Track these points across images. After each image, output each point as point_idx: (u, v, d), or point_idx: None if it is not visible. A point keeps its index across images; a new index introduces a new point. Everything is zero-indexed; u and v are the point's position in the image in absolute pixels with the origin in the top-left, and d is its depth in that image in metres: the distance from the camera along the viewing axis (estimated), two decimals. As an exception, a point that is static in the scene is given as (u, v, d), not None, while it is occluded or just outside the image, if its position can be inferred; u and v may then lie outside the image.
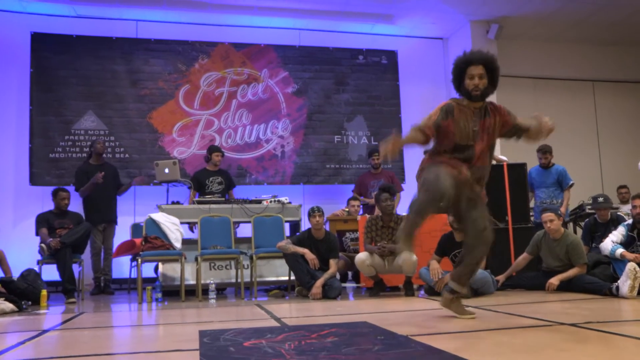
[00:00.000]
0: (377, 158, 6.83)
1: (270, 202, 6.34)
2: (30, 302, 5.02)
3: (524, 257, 5.24)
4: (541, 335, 2.65)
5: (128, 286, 6.89)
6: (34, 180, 7.28)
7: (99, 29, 7.79)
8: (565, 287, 4.85)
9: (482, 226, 3.24)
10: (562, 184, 6.64)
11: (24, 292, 5.06)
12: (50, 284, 5.73)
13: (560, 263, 4.99)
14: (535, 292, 4.93)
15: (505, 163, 6.11)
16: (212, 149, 7.00)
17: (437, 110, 3.30)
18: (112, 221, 6.72)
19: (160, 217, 5.84)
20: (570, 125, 9.23)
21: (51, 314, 4.56)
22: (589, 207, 6.55)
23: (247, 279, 5.82)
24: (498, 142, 7.67)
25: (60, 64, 7.59)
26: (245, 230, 6.47)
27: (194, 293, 5.63)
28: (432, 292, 4.99)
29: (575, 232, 6.82)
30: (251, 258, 5.71)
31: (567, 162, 8.41)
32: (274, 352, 2.37)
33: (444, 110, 3.28)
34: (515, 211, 5.88)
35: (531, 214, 6.38)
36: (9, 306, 4.64)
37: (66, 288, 5.62)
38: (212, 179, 6.86)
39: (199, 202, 6.23)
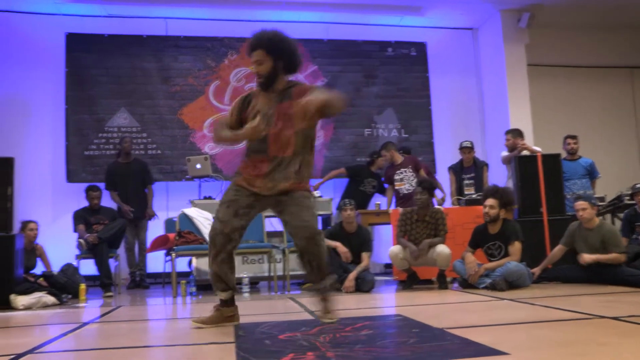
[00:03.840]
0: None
1: (302, 195, 6.34)
2: (70, 296, 5.16)
3: (559, 249, 5.14)
4: (581, 328, 2.60)
5: (163, 280, 6.99)
6: (71, 177, 7.44)
7: (130, 27, 7.91)
8: (605, 279, 4.73)
9: (295, 224, 3.01)
10: (591, 176, 6.52)
11: (64, 286, 5.21)
12: (88, 278, 5.87)
13: (596, 254, 4.88)
14: (573, 285, 4.83)
15: (539, 154, 6.00)
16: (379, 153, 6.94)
17: (234, 105, 3.15)
18: (141, 217, 6.80)
19: (193, 212, 5.91)
20: (607, 113, 9.02)
21: (90, 307, 4.67)
22: (628, 198, 6.39)
23: (280, 273, 5.86)
24: (529, 133, 7.64)
25: (93, 63, 7.74)
26: (277, 224, 6.50)
27: (227, 287, 5.68)
28: (465, 284, 4.94)
29: (613, 223, 6.66)
30: (283, 252, 5.74)
31: (604, 152, 8.26)
32: (309, 344, 2.38)
33: (241, 101, 3.13)
34: (550, 202, 5.77)
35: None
36: (50, 299, 4.79)
37: (103, 282, 5.75)
38: (370, 180, 6.95)
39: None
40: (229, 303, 3.15)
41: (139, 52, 7.88)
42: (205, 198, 6.42)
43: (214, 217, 3.11)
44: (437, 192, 6.25)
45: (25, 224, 5.70)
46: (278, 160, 3.01)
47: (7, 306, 4.60)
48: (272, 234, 6.27)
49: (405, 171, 6.52)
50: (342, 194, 6.94)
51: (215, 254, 3.02)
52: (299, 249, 3.05)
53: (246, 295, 5.23)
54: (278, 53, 3.01)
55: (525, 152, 6.22)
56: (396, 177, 6.55)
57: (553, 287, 4.83)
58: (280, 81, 3.07)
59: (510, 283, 4.66)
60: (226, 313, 3.14)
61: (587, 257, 4.78)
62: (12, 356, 2.40)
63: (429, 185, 5.33)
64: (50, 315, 4.16)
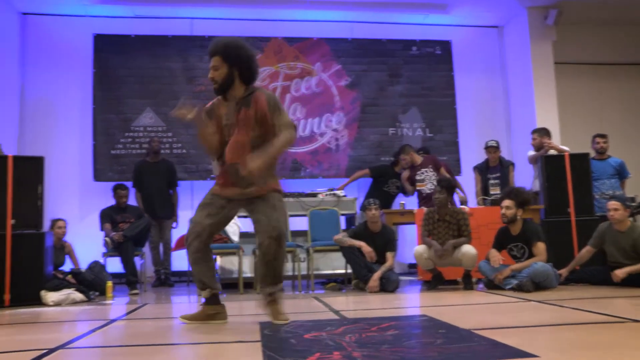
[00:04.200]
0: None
1: (326, 195, 6.36)
2: (97, 293, 5.25)
3: (587, 250, 5.06)
4: (613, 332, 2.55)
5: (187, 279, 7.06)
6: (98, 176, 7.55)
7: (156, 28, 7.99)
8: (636, 282, 4.61)
9: (266, 223, 3.05)
10: (621, 175, 6.36)
11: (91, 283, 5.31)
12: (114, 275, 5.95)
13: (627, 257, 4.77)
14: (602, 288, 4.74)
15: (567, 153, 5.91)
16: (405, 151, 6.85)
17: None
18: (165, 217, 6.84)
19: (217, 211, 5.93)
20: (636, 112, 8.82)
21: (116, 305, 4.73)
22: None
23: (304, 272, 5.87)
24: (556, 132, 7.52)
25: (120, 63, 7.84)
26: (301, 224, 6.51)
27: (251, 285, 5.72)
28: (491, 285, 4.89)
29: (643, 224, 6.51)
30: (307, 251, 5.75)
31: (633, 151, 8.08)
32: (334, 344, 2.37)
33: (205, 113, 3.21)
34: (578, 202, 5.68)
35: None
36: (79, 296, 4.88)
37: (129, 280, 5.83)
38: (394, 180, 6.93)
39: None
40: (211, 301, 3.24)
41: (165, 53, 7.95)
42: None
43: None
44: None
45: (54, 222, 5.81)
46: (235, 167, 3.10)
47: (38, 302, 4.69)
48: (297, 233, 6.29)
49: (426, 171, 6.47)
50: (366, 194, 6.92)
51: (191, 254, 3.15)
52: (263, 249, 3.07)
53: (270, 294, 5.24)
54: (234, 61, 3.10)
55: (552, 152, 6.13)
56: (417, 177, 6.50)
57: (581, 288, 4.76)
58: (237, 89, 3.16)
59: (537, 284, 4.60)
60: (208, 311, 3.25)
61: (619, 273, 4.67)
62: (44, 350, 2.45)
63: (446, 184, 5.30)
64: (78, 312, 4.23)
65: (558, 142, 6.82)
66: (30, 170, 4.96)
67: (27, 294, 4.71)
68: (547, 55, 8.05)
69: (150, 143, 7.01)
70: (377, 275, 5.08)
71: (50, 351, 2.45)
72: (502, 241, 5.03)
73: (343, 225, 6.45)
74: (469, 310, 3.58)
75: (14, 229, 4.79)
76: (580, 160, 5.82)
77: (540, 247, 4.80)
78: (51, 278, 4.99)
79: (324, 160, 8.03)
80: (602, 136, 6.47)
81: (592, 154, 6.30)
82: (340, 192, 6.43)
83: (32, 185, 4.94)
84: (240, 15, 8.04)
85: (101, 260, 5.84)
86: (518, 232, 4.92)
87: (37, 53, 7.80)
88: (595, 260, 5.11)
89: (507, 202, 4.91)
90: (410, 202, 6.72)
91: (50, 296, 4.72)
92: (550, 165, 5.80)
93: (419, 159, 6.59)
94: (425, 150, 7.09)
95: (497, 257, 4.87)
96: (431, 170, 6.48)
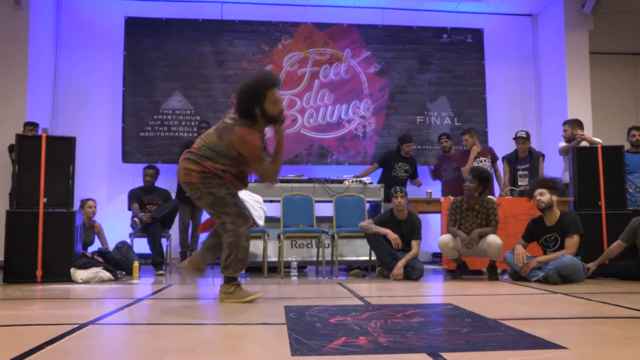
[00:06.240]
0: (446, 141, 7.08)
1: (352, 182, 6.34)
2: (124, 272, 5.33)
3: (617, 245, 4.95)
4: (643, 326, 2.50)
5: (212, 261, 7.11)
6: (126, 157, 7.64)
7: (187, 11, 8.01)
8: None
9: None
10: None
11: (118, 263, 5.39)
12: (140, 256, 6.04)
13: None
14: (632, 283, 4.64)
15: (599, 145, 5.78)
16: (405, 140, 7.04)
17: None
18: None
19: (244, 194, 5.96)
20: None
21: (142, 284, 4.80)
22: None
23: (328, 258, 5.88)
24: (589, 124, 7.34)
25: (151, 46, 7.89)
26: (326, 210, 6.51)
27: (275, 270, 5.75)
28: (517, 276, 4.83)
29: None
30: (332, 237, 5.75)
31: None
32: (360, 329, 2.38)
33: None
34: (610, 196, 5.56)
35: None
36: (106, 275, 4.96)
37: (155, 261, 5.90)
38: (401, 164, 7.02)
39: (282, 181, 6.32)
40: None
41: (195, 36, 7.98)
42: (256, 181, 6.46)
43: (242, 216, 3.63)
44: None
45: (84, 202, 5.91)
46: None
47: (68, 279, 4.80)
48: (322, 219, 6.29)
49: (484, 160, 6.59)
50: (378, 182, 6.86)
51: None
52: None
53: (294, 278, 5.27)
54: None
55: (584, 143, 6.00)
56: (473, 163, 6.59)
57: (610, 283, 4.67)
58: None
59: (564, 277, 4.53)
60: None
61: None
62: (76, 325, 2.51)
63: (478, 174, 5.18)
64: (106, 290, 4.31)
65: (590, 134, 6.68)
66: (62, 151, 5.04)
67: (57, 271, 4.82)
68: (582, 44, 7.85)
69: (198, 131, 7.06)
70: (401, 262, 5.06)
71: (82, 326, 2.51)
72: (535, 232, 4.94)
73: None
74: (494, 301, 3.55)
75: (45, 207, 4.89)
76: (613, 153, 5.69)
77: (575, 239, 4.70)
78: (80, 256, 5.09)
79: (351, 147, 8.00)
80: (638, 128, 6.31)
81: (627, 146, 6.15)
82: (366, 179, 6.42)
83: (63, 165, 5.02)
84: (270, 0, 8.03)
85: (128, 241, 5.93)
86: (554, 223, 4.82)
87: (70, 35, 7.89)
88: (626, 255, 5.01)
89: (539, 190, 4.84)
90: (436, 191, 6.68)
91: (79, 274, 4.81)
92: (581, 157, 5.69)
93: (479, 146, 6.71)
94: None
95: (520, 254, 4.78)
96: (488, 160, 6.59)
